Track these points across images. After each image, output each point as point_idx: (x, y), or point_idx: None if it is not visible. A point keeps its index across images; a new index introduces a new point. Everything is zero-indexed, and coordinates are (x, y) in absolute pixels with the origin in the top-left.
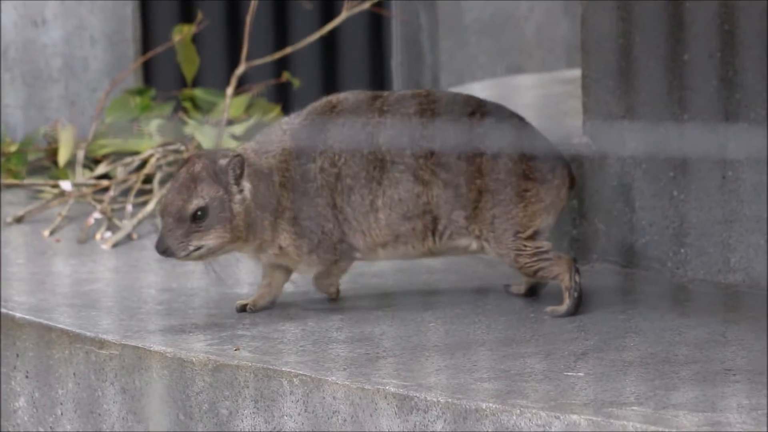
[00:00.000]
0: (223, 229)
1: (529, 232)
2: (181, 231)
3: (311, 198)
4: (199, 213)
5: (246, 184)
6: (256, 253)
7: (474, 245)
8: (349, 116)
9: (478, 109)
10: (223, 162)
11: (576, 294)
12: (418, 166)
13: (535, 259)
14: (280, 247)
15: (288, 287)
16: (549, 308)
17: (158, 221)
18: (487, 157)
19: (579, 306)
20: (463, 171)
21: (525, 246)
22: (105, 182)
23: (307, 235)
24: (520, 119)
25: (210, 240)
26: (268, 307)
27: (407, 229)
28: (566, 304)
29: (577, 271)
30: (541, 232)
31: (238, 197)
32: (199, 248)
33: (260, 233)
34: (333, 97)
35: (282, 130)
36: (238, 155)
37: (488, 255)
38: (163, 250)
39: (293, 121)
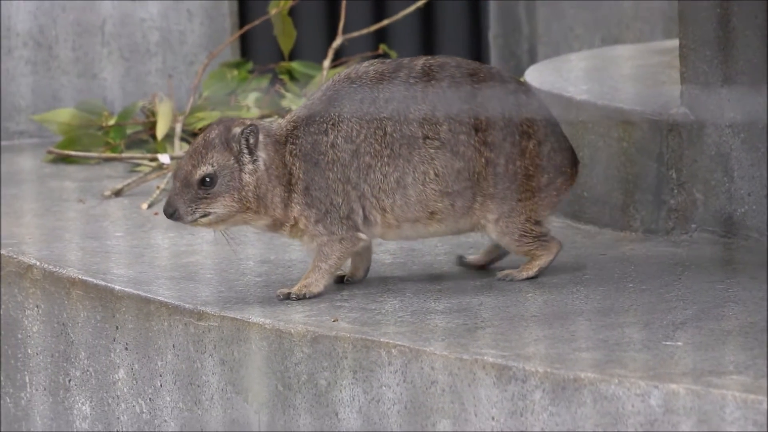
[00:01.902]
0: (231, 199)
1: (540, 218)
2: (189, 196)
3: (321, 170)
4: (207, 180)
5: (261, 155)
6: (271, 230)
7: (480, 223)
8: (368, 91)
9: (519, 88)
10: (236, 130)
11: (540, 272)
12: (459, 141)
13: (535, 241)
14: (294, 219)
15: (386, 259)
16: (505, 272)
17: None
18: (534, 141)
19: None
20: (507, 152)
21: (531, 230)
22: None
23: (316, 205)
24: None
25: (217, 208)
26: (364, 278)
27: (445, 206)
28: (526, 274)
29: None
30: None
31: (249, 167)
32: (206, 215)
33: (271, 208)
34: (351, 70)
35: (307, 100)
36: (253, 125)
37: (478, 232)
38: (171, 213)
39: (316, 92)
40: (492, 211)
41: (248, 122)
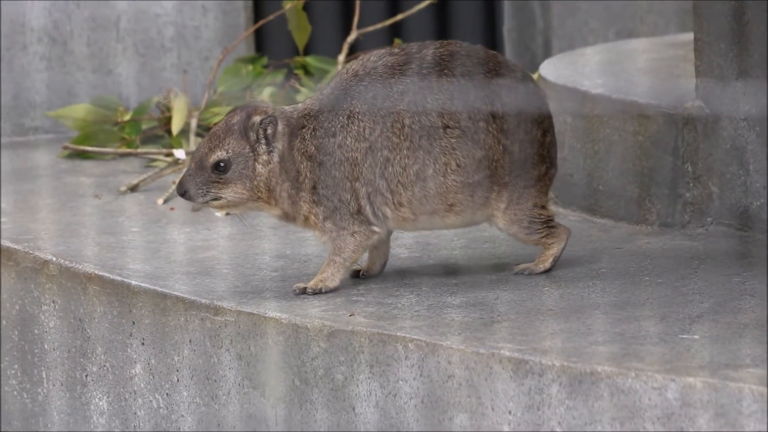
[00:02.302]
0: (242, 187)
1: (544, 203)
2: (202, 178)
3: (327, 170)
4: (221, 165)
5: (278, 146)
6: (284, 220)
7: (492, 214)
8: (380, 85)
9: (526, 76)
10: (256, 119)
11: (555, 262)
12: (479, 129)
13: (544, 228)
14: (304, 215)
15: (402, 253)
16: (522, 266)
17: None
18: (542, 130)
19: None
20: (521, 139)
21: (540, 215)
22: None
23: (323, 203)
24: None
25: (228, 194)
26: (381, 272)
27: (465, 197)
28: (543, 266)
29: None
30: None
31: (263, 158)
32: (217, 198)
33: (281, 201)
34: (358, 66)
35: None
36: (272, 116)
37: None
38: (183, 192)
39: (325, 87)
40: (503, 199)
41: (270, 111)
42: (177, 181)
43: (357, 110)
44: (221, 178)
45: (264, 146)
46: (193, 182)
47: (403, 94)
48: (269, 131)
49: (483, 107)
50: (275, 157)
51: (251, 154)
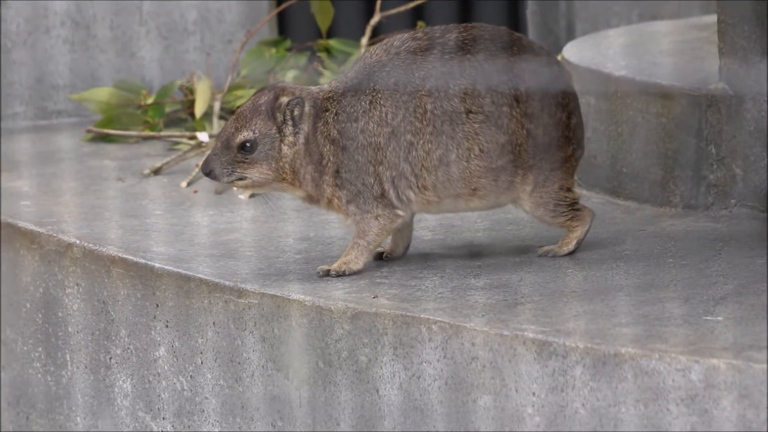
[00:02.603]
0: (267, 167)
1: (570, 185)
2: (227, 158)
3: (350, 154)
4: (247, 145)
5: (304, 128)
6: (308, 202)
7: (518, 196)
8: (403, 70)
9: (551, 59)
10: (283, 100)
11: (579, 244)
12: (502, 114)
13: (570, 210)
14: (328, 199)
15: (426, 235)
16: (546, 248)
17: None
18: (569, 109)
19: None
20: (545, 122)
21: (566, 197)
22: None
23: (346, 187)
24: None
25: (253, 174)
26: (404, 254)
27: (488, 182)
28: (567, 248)
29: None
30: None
31: (289, 139)
32: (242, 178)
33: (305, 183)
34: (382, 50)
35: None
36: (299, 97)
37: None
38: (208, 171)
39: (349, 71)
40: (529, 182)
41: (297, 92)
42: (200, 163)
43: (379, 95)
44: (247, 159)
45: (291, 127)
46: (219, 162)
47: (425, 79)
48: (296, 112)
49: (506, 91)
50: (301, 139)
51: (277, 135)
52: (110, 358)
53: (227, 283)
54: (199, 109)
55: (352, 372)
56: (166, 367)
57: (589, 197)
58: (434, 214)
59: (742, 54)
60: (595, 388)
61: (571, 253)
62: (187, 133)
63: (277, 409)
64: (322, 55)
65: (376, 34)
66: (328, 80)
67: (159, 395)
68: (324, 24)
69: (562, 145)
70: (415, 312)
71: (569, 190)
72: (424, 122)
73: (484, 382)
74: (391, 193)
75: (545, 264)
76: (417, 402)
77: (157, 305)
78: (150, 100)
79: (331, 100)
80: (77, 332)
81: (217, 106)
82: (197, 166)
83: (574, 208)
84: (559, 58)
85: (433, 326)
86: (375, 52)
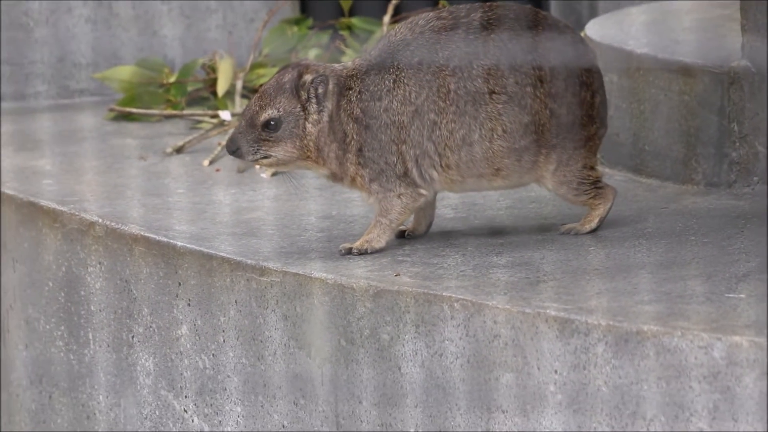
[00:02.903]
0: (292, 146)
1: (593, 163)
2: (252, 136)
3: (374, 133)
4: (272, 123)
5: (328, 106)
6: (332, 180)
7: (542, 175)
8: (426, 50)
9: (576, 37)
10: (307, 78)
11: (601, 222)
12: (526, 94)
13: (593, 189)
14: (352, 178)
15: (448, 213)
16: (568, 226)
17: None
18: (594, 88)
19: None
20: (568, 102)
21: (589, 176)
22: None
23: (369, 165)
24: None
25: (278, 152)
26: (426, 233)
27: (511, 162)
28: (590, 226)
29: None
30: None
31: (314, 117)
32: (267, 157)
33: (328, 161)
34: (406, 29)
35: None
36: (323, 75)
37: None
38: (233, 150)
39: (372, 49)
40: (552, 161)
41: (321, 70)
42: (223, 142)
43: (403, 74)
44: (271, 137)
45: (315, 105)
46: (244, 140)
47: (449, 59)
48: (320, 90)
49: (530, 71)
50: (325, 117)
51: (302, 113)
52: (132, 337)
53: (249, 261)
54: (221, 88)
55: (374, 350)
56: (188, 346)
57: (611, 175)
58: (457, 193)
59: (765, 31)
60: (617, 366)
61: (593, 231)
62: (210, 112)
63: (299, 387)
64: (344, 33)
65: (398, 13)
66: (349, 59)
67: (181, 374)
68: (346, 2)
69: (586, 124)
70: (437, 290)
71: (592, 168)
72: (448, 102)
73: (506, 359)
74: (414, 172)
75: (567, 242)
76: (439, 380)
77: (180, 284)
78: (172, 79)
79: (354, 78)
80: (99, 311)
81: (239, 84)
82: (220, 144)
83: (596, 186)
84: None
85: (455, 304)
86: (399, 31)
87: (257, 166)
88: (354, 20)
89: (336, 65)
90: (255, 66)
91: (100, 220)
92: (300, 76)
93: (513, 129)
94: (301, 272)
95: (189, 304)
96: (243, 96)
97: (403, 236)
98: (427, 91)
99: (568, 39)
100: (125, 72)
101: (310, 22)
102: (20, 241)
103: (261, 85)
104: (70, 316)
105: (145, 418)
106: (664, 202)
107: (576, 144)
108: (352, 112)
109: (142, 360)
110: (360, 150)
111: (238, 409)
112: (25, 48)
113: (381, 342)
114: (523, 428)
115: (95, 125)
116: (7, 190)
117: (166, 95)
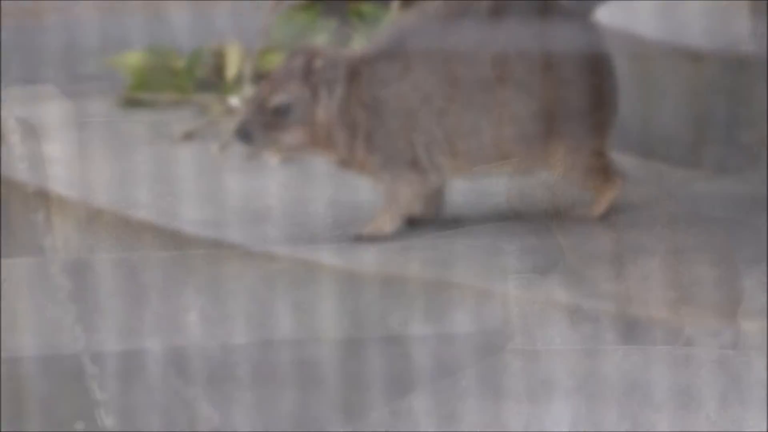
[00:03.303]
0: (302, 131)
1: (603, 149)
2: (261, 122)
3: (382, 120)
4: (281, 109)
5: (338, 91)
6: (341, 166)
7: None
8: (435, 36)
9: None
10: (317, 63)
11: (610, 207)
12: (535, 81)
13: (601, 175)
14: (360, 163)
15: (457, 199)
16: (577, 211)
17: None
18: (603, 74)
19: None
20: (578, 88)
21: (598, 161)
22: None
23: (378, 152)
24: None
25: (287, 138)
26: (435, 218)
27: (520, 149)
28: (598, 212)
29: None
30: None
31: (324, 102)
32: (276, 142)
33: (337, 147)
34: (415, 15)
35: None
36: (333, 60)
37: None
38: (243, 135)
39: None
40: (561, 147)
41: (331, 55)
42: (232, 128)
43: (412, 60)
44: (281, 122)
45: (325, 91)
46: (253, 126)
47: (458, 46)
48: (330, 75)
49: (539, 58)
50: (335, 103)
51: (312, 99)
52: (141, 324)
53: (258, 247)
54: (230, 74)
55: (383, 336)
56: (197, 332)
57: (619, 160)
58: (466, 179)
59: None
60: (626, 352)
61: (602, 217)
62: (218, 98)
63: (308, 374)
64: (354, 19)
65: None
66: (359, 45)
67: (190, 360)
68: None
69: (595, 110)
70: (446, 276)
71: (602, 154)
72: (456, 88)
73: (515, 346)
74: (423, 159)
75: (576, 228)
76: (449, 366)
77: (188, 270)
78: (180, 65)
79: (364, 64)
80: (108, 298)
81: (248, 70)
82: (228, 130)
83: (605, 171)
84: None
85: (465, 290)
86: (408, 17)
87: (266, 152)
88: (363, 6)
89: (346, 51)
90: (263, 52)
91: (109, 207)
92: (310, 61)
93: (522, 115)
94: (309, 258)
95: (198, 291)
96: (251, 82)
97: (412, 222)
98: (436, 78)
99: (578, 24)
100: (134, 58)
101: (319, 7)
102: (28, 227)
103: (271, 71)
104: (78, 304)
105: (155, 405)
106: (673, 187)
107: (585, 130)
108: (362, 98)
109: (151, 347)
110: (369, 136)
111: (248, 396)
112: (34, 33)
113: (390, 328)
114: (533, 414)
115: (103, 111)
116: (15, 177)
117: (175, 81)
